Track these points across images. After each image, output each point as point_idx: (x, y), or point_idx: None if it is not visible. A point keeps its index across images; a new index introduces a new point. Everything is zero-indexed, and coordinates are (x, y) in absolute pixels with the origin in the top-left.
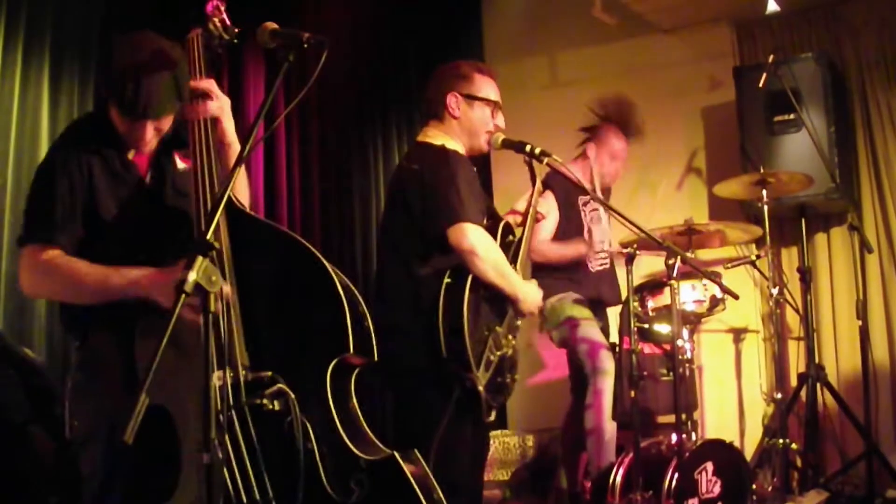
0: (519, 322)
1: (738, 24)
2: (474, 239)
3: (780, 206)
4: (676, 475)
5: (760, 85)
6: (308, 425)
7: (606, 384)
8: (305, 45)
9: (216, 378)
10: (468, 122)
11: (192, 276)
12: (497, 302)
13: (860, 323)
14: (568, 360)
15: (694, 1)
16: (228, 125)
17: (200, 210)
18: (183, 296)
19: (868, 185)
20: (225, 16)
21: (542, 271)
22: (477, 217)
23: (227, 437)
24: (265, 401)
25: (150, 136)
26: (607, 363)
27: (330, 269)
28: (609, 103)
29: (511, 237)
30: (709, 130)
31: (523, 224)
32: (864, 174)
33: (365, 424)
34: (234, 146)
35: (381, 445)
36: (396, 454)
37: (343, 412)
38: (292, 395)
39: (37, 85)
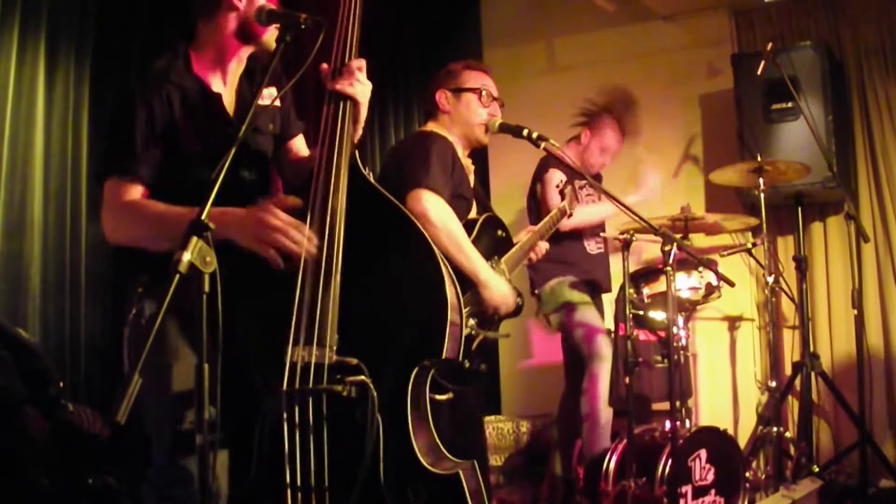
0: (493, 314)
1: (736, 11)
2: (429, 204)
3: (776, 195)
4: (670, 462)
5: (758, 73)
6: (380, 421)
7: (603, 369)
8: (303, 26)
9: (300, 355)
10: (458, 114)
11: (186, 257)
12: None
13: (855, 312)
14: (563, 344)
15: None
16: (363, 111)
17: (320, 186)
18: (178, 276)
19: (865, 175)
20: None
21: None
22: (442, 190)
23: (295, 416)
24: (344, 388)
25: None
26: (605, 348)
27: (445, 270)
28: (614, 95)
29: (501, 232)
30: (706, 118)
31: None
32: (862, 163)
33: (435, 433)
34: (359, 134)
35: (448, 456)
36: (461, 472)
37: (417, 417)
38: (374, 392)
39: (32, 67)
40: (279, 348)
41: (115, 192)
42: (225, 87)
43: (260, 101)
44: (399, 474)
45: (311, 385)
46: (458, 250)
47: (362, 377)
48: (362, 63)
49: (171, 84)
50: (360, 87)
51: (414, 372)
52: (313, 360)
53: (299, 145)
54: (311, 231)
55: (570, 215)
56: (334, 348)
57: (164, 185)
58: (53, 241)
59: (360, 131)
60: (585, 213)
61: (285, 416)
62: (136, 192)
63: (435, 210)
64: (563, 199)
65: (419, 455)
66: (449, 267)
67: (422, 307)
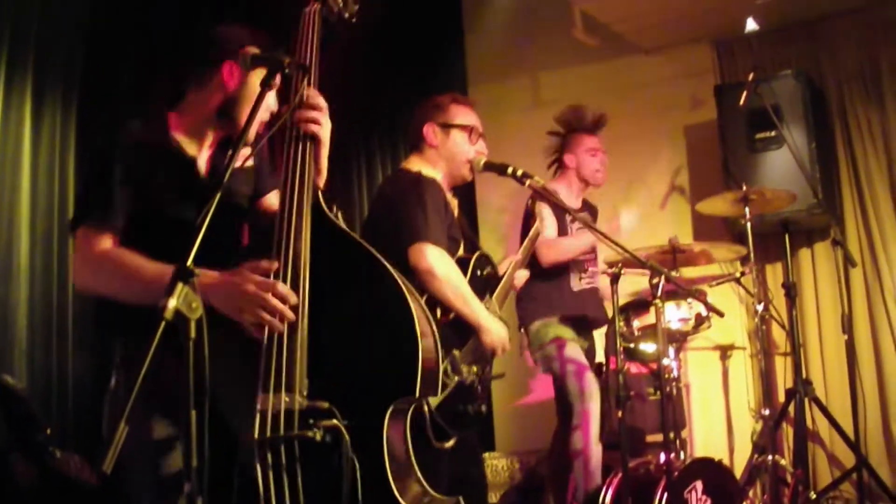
0: (490, 354)
1: (718, 42)
2: (433, 259)
3: (763, 223)
4: (666, 495)
5: (741, 103)
6: (356, 465)
7: (593, 407)
8: (287, 70)
9: (271, 402)
10: (446, 150)
11: (172, 303)
12: (458, 328)
13: (846, 337)
14: (553, 382)
15: (674, 21)
16: (325, 151)
17: (283, 230)
18: (163, 323)
19: (850, 200)
20: None
21: (525, 296)
22: (441, 240)
23: (269, 465)
24: (316, 433)
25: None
26: (593, 386)
27: (411, 306)
28: (563, 117)
29: (490, 269)
30: (691, 149)
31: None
32: (846, 189)
33: (418, 471)
34: (324, 175)
35: (432, 493)
36: None
37: (395, 459)
38: (347, 437)
39: (19, 111)
40: (250, 397)
41: (89, 240)
42: (200, 152)
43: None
44: None
45: (282, 432)
46: (462, 303)
47: (334, 421)
48: (322, 102)
49: (148, 145)
50: (321, 126)
51: (388, 412)
52: (283, 407)
53: (273, 200)
54: (288, 289)
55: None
56: (304, 393)
57: (132, 243)
58: (40, 285)
59: (324, 173)
60: (566, 242)
61: (259, 464)
62: (109, 242)
63: (439, 266)
64: (533, 220)
65: (397, 495)
66: (426, 309)
67: (392, 347)
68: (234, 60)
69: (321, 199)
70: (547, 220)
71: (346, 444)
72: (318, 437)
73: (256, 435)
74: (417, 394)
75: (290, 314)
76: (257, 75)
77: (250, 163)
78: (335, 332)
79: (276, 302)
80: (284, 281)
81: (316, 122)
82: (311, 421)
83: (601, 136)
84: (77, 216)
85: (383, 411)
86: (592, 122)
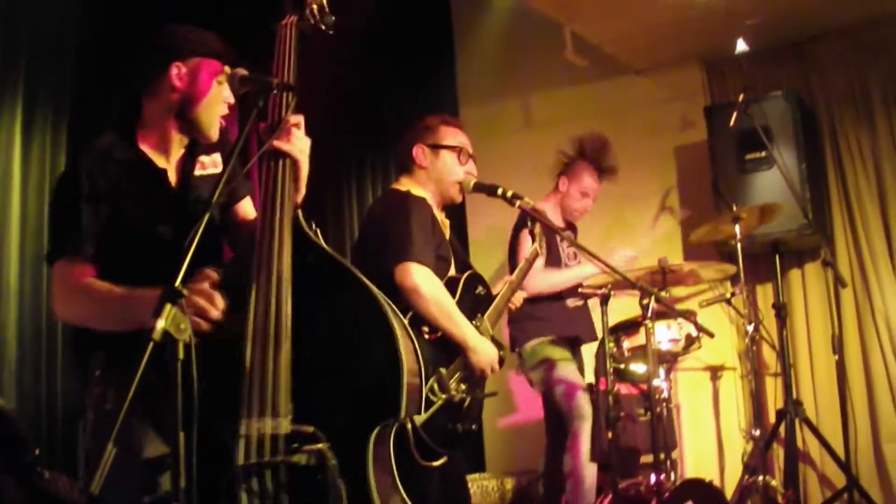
0: (479, 374)
1: (708, 63)
2: (418, 278)
3: (753, 243)
4: None
5: (731, 123)
6: (342, 489)
7: (585, 426)
8: (275, 91)
9: (255, 427)
10: (436, 171)
11: (160, 324)
12: (445, 346)
13: (836, 357)
14: (543, 401)
15: (664, 42)
16: (304, 169)
17: (264, 250)
18: (151, 344)
19: (840, 220)
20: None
21: (517, 316)
22: (427, 258)
23: (254, 491)
24: (301, 457)
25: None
26: (585, 405)
27: (393, 324)
28: (586, 140)
29: (482, 289)
30: (681, 169)
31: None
32: (836, 209)
33: (403, 492)
34: (302, 192)
35: None
36: None
37: (379, 482)
38: (333, 461)
39: (8, 132)
40: (232, 421)
41: (65, 272)
42: (168, 163)
43: (203, 172)
44: None
45: (267, 457)
46: (448, 321)
47: (320, 445)
48: (300, 119)
49: (115, 160)
50: (299, 144)
51: (374, 433)
52: (268, 432)
53: (246, 208)
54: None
55: (541, 255)
56: (289, 417)
57: (108, 260)
58: (29, 306)
59: (302, 190)
60: (557, 275)
61: (244, 490)
62: (86, 271)
63: (425, 284)
64: (533, 240)
65: None
66: (408, 328)
67: (375, 368)
68: (181, 60)
69: (301, 218)
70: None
71: (332, 468)
72: (304, 462)
73: (241, 460)
74: (403, 413)
75: (213, 313)
76: (209, 73)
77: (218, 169)
78: (316, 353)
79: (202, 302)
80: (267, 302)
81: (293, 139)
82: (296, 445)
83: (602, 185)
84: (51, 252)
85: (367, 434)
86: (605, 166)
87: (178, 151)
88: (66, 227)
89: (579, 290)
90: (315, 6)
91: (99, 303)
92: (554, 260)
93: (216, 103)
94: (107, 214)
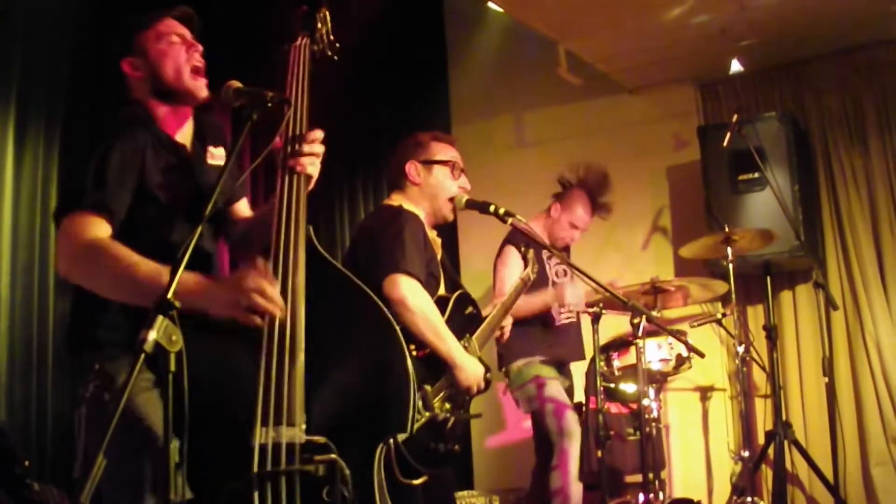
0: (464, 393)
1: (702, 84)
2: (406, 290)
3: (745, 264)
4: None
5: (725, 144)
6: (353, 500)
7: (573, 446)
8: (269, 104)
9: (269, 436)
10: (429, 187)
11: (151, 336)
12: (431, 363)
13: (826, 380)
14: (532, 420)
15: (658, 61)
16: (311, 183)
17: (280, 265)
18: (143, 355)
19: (832, 243)
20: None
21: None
22: (418, 272)
23: (268, 499)
24: (315, 466)
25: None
26: (573, 425)
27: (402, 341)
28: (588, 171)
29: (472, 309)
30: (674, 189)
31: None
32: (829, 231)
33: None
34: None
35: None
36: None
37: (384, 496)
38: (346, 472)
39: (1, 144)
40: (241, 430)
41: (82, 225)
42: (180, 135)
43: (213, 161)
44: None
45: (283, 465)
46: (434, 336)
47: (332, 455)
48: (318, 135)
49: (143, 130)
50: (316, 162)
51: (380, 447)
52: (284, 441)
53: (242, 207)
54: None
55: (531, 279)
56: (303, 427)
57: (130, 232)
58: (20, 318)
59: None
60: (521, 302)
61: (257, 499)
62: (104, 229)
63: (412, 297)
64: (526, 265)
65: None
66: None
67: (385, 384)
68: (133, 56)
69: (311, 233)
70: (514, 266)
71: (345, 479)
72: (319, 472)
73: (256, 468)
74: (410, 430)
75: (280, 305)
76: (156, 37)
77: (221, 161)
78: (325, 367)
79: (272, 290)
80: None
81: (313, 161)
82: (308, 455)
83: (594, 220)
84: (67, 202)
85: (375, 446)
86: (601, 201)
87: (187, 136)
88: (92, 182)
89: (576, 306)
90: (324, 30)
91: (117, 264)
92: (541, 278)
93: (177, 55)
94: (132, 184)
